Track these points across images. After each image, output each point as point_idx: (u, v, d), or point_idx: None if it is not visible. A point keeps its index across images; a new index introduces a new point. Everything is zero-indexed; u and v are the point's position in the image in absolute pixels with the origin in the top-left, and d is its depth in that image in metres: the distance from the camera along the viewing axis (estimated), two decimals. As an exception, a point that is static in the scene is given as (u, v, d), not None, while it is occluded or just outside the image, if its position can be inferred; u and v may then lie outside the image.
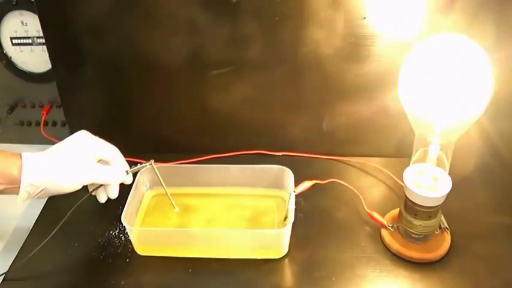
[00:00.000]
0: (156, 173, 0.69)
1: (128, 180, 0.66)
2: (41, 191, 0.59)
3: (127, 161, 0.66)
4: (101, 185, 0.64)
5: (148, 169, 0.68)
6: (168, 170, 0.75)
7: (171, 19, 0.76)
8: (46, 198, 0.77)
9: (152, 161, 0.68)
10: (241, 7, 0.74)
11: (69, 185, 0.60)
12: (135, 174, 0.69)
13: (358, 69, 0.78)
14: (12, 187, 0.58)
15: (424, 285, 0.63)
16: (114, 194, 0.65)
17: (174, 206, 0.71)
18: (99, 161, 0.63)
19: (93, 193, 0.65)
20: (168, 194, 0.70)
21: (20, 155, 0.58)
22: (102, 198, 0.65)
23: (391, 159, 0.83)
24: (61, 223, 0.63)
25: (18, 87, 0.91)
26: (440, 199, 0.62)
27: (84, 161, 0.61)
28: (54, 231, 0.64)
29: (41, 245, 0.64)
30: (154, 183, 0.78)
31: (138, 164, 0.68)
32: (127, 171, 0.65)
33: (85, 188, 0.63)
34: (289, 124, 0.85)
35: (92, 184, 0.63)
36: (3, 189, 0.59)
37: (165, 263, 0.67)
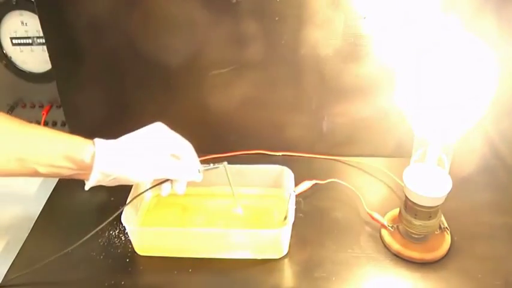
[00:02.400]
0: (227, 175, 0.67)
1: (198, 178, 0.64)
2: (111, 179, 0.58)
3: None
4: (168, 179, 0.63)
5: None
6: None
7: (171, 19, 0.76)
8: (50, 190, 0.79)
9: (225, 163, 0.67)
10: (241, 7, 0.74)
11: (139, 177, 0.58)
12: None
13: (358, 69, 0.78)
14: (82, 173, 0.57)
15: (424, 285, 0.63)
16: (182, 190, 0.63)
17: (238, 208, 0.71)
18: (173, 155, 0.62)
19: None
20: (236, 196, 0.70)
21: (94, 142, 0.57)
22: (166, 192, 0.64)
23: (391, 159, 0.83)
24: (92, 233, 0.62)
25: (18, 87, 0.91)
26: (440, 199, 0.62)
27: (159, 155, 0.60)
28: (78, 243, 0.62)
29: (53, 257, 0.63)
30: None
31: (211, 164, 0.66)
32: (199, 170, 0.64)
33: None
34: (289, 124, 0.85)
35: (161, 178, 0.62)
36: (73, 174, 0.57)
37: (165, 263, 0.67)
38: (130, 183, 0.59)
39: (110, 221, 0.72)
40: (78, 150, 0.56)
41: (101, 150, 0.56)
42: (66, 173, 0.56)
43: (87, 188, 0.58)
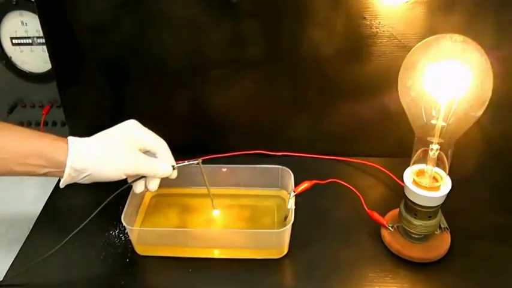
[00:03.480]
0: (201, 172, 0.67)
1: (173, 175, 0.65)
2: (85, 176, 0.58)
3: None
4: (143, 176, 0.63)
5: None
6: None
7: (171, 19, 0.76)
8: (50, 190, 0.79)
9: (200, 160, 0.67)
10: (241, 7, 0.74)
11: (113, 174, 0.59)
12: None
13: (358, 69, 0.78)
14: (56, 171, 0.58)
15: (424, 285, 0.63)
16: (154, 187, 0.64)
17: (213, 207, 0.71)
18: (146, 152, 0.63)
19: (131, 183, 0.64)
20: (211, 195, 0.70)
21: (66, 139, 0.58)
22: (139, 189, 0.64)
23: (391, 159, 0.83)
24: (77, 230, 0.62)
25: (18, 87, 0.91)
26: (440, 199, 0.62)
27: (131, 151, 0.60)
28: (66, 239, 0.62)
29: (58, 246, 0.62)
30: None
31: (186, 161, 0.66)
32: (173, 166, 0.64)
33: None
34: (289, 124, 0.85)
35: (135, 174, 0.62)
36: (47, 172, 0.58)
37: (165, 263, 0.67)
38: (105, 181, 0.60)
39: (109, 221, 0.73)
40: (52, 148, 0.57)
41: (73, 148, 0.57)
42: (41, 171, 0.57)
43: (61, 185, 0.59)
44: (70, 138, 0.58)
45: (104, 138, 0.60)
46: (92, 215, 0.61)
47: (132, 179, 0.63)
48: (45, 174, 0.58)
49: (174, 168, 0.64)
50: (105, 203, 0.61)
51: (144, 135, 0.62)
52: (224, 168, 0.77)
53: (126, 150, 0.60)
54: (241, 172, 0.77)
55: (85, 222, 0.61)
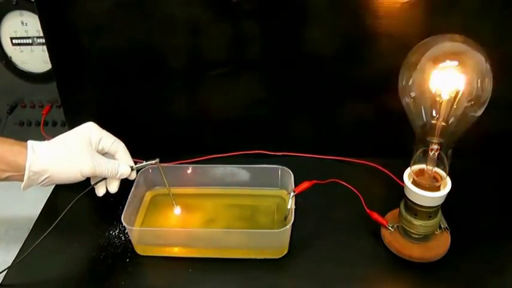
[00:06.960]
0: (160, 172, 0.68)
1: (132, 176, 0.66)
2: (45, 179, 0.59)
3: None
4: (104, 178, 0.64)
5: (149, 169, 0.68)
6: (168, 170, 0.75)
7: (171, 19, 0.76)
8: (50, 191, 0.79)
9: (157, 160, 0.68)
10: (241, 7, 0.74)
11: (71, 175, 0.60)
12: (138, 171, 0.68)
13: (358, 69, 0.78)
14: (17, 174, 0.59)
15: (424, 285, 0.63)
16: (114, 188, 0.65)
17: (174, 206, 0.71)
18: (105, 154, 0.63)
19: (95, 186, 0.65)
20: (170, 194, 0.70)
21: (26, 144, 0.59)
22: (100, 192, 0.65)
23: (391, 159, 0.83)
24: (61, 216, 0.63)
25: (18, 87, 0.91)
26: (440, 199, 0.62)
27: (89, 153, 0.61)
28: (52, 226, 0.63)
29: (40, 239, 0.63)
30: (155, 183, 0.78)
31: (144, 161, 0.67)
32: (132, 167, 0.65)
33: (87, 182, 0.63)
34: (290, 124, 0.85)
35: (95, 177, 0.63)
36: (8, 176, 0.59)
37: (165, 263, 0.67)
38: (64, 182, 0.61)
39: (109, 221, 0.73)
40: (11, 152, 0.58)
41: (32, 151, 0.58)
42: (2, 175, 0.59)
43: (22, 188, 0.59)
44: (29, 142, 0.59)
45: (62, 141, 0.61)
46: (63, 213, 0.63)
47: (94, 181, 0.64)
48: (6, 179, 0.59)
49: (132, 169, 0.65)
50: (72, 202, 0.63)
51: (102, 137, 0.64)
52: (189, 169, 0.77)
53: (84, 152, 0.61)
54: (241, 172, 0.76)
55: (57, 220, 0.63)
